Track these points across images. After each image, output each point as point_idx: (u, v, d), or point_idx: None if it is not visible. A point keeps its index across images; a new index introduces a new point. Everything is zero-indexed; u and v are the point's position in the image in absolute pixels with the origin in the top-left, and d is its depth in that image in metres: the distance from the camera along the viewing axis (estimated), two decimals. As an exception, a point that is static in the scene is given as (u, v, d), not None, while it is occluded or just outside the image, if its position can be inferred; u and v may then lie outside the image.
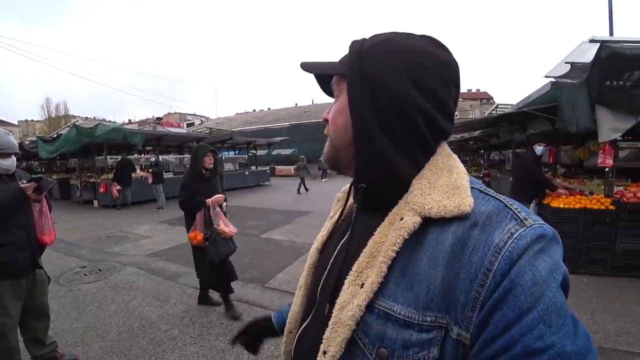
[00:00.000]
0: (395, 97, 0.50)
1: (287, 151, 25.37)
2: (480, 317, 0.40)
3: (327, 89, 0.66)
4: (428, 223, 0.47)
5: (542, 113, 5.22)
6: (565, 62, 4.11)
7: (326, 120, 0.62)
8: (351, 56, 0.55)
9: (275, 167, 24.83)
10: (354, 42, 0.57)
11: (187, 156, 15.76)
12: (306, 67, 0.60)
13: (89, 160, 12.40)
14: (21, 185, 2.11)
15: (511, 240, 0.41)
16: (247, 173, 16.56)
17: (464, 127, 10.40)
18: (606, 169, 4.18)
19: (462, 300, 0.41)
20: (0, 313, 2.04)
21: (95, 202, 10.91)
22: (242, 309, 3.32)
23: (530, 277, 0.39)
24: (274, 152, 23.76)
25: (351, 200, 0.68)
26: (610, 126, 3.65)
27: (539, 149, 4.69)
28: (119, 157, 12.03)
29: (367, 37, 0.58)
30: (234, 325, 2.99)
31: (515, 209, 0.45)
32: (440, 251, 0.45)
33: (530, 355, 0.37)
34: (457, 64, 0.54)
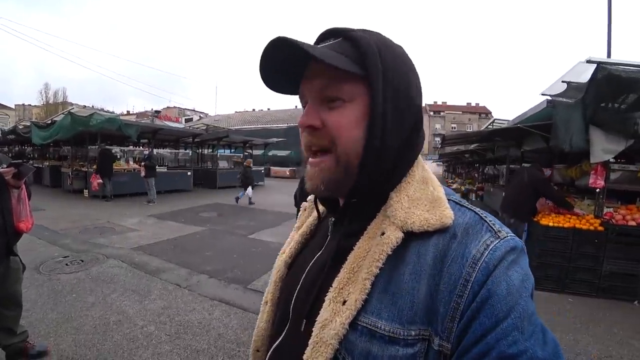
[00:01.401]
0: (418, 110, 0.50)
1: (284, 152, 25.35)
2: (460, 326, 0.40)
3: (275, 80, 0.54)
4: (409, 237, 0.47)
5: (537, 130, 5.23)
6: (562, 81, 4.12)
7: (311, 128, 0.51)
8: (371, 54, 0.47)
9: (271, 167, 24.78)
10: (356, 33, 0.49)
11: (182, 151, 15.69)
12: (293, 42, 0.44)
13: (82, 149, 12.26)
14: (0, 170, 2.05)
15: (487, 252, 0.42)
16: (241, 172, 16.41)
17: (460, 139, 10.46)
18: (597, 190, 4.19)
19: (441, 311, 0.42)
20: None
21: (86, 192, 10.76)
22: (221, 309, 3.26)
23: (505, 286, 0.40)
24: (270, 153, 23.70)
25: (322, 210, 0.65)
26: (603, 147, 3.65)
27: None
28: (113, 148, 11.91)
29: (359, 29, 0.51)
30: (212, 327, 2.92)
31: (490, 221, 0.47)
32: (422, 264, 0.45)
33: None
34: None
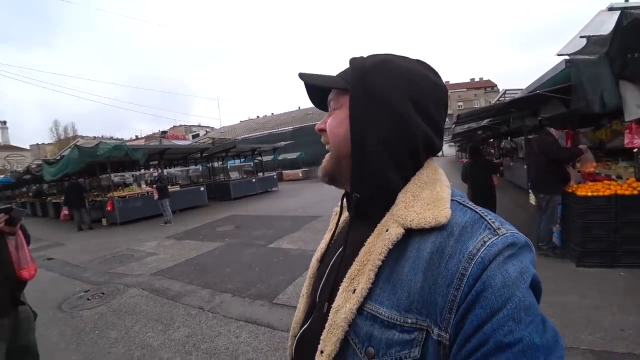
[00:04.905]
0: (395, 113, 0.55)
1: (293, 155, 25.16)
2: (457, 318, 0.43)
3: (316, 100, 0.69)
4: (411, 233, 0.51)
5: (557, 94, 4.87)
6: (581, 37, 3.78)
7: (321, 131, 0.64)
8: (354, 72, 0.58)
9: (283, 171, 24.67)
10: (354, 59, 0.61)
11: (192, 167, 15.71)
12: (305, 78, 0.61)
13: (94, 179, 12.38)
14: None
15: (484, 248, 0.45)
16: (253, 180, 16.35)
17: (471, 117, 10.02)
18: (634, 150, 3.83)
19: (440, 303, 0.45)
20: None
21: (104, 220, 10.87)
22: (248, 331, 3.08)
23: (500, 279, 0.42)
24: (280, 157, 23.58)
25: (346, 213, 0.72)
26: (638, 102, 3.31)
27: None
28: (124, 174, 12.02)
29: (366, 55, 0.62)
30: (241, 352, 2.74)
31: (490, 219, 0.49)
32: (420, 259, 0.49)
33: (502, 349, 0.40)
34: (446, 88, 0.59)
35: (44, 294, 4.57)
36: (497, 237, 0.46)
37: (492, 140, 17.26)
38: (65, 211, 10.53)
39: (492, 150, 16.93)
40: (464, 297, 0.43)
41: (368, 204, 0.59)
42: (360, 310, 0.52)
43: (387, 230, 0.53)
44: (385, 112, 0.55)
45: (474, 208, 0.52)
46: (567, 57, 4.03)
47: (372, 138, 0.56)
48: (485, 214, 0.50)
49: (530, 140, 5.66)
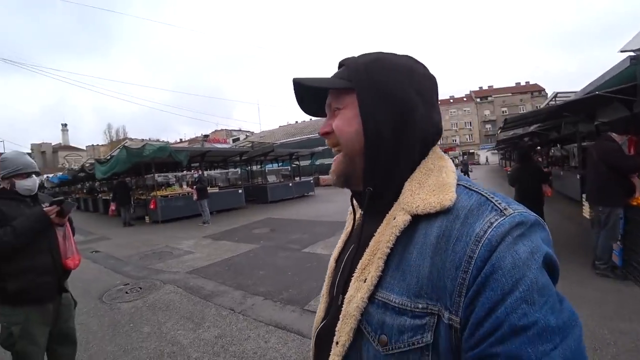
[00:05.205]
0: (405, 105, 0.56)
1: (330, 160, 24.80)
2: (467, 301, 0.43)
3: (307, 106, 0.69)
4: (418, 220, 0.51)
5: (619, 95, 4.37)
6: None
7: (326, 134, 0.64)
8: (355, 71, 0.59)
9: (320, 176, 24.69)
10: (348, 59, 0.63)
11: (231, 170, 16.14)
12: (305, 82, 0.60)
13: (140, 179, 13.06)
14: (44, 209, 2.00)
15: (490, 229, 0.44)
16: (290, 184, 16.47)
17: (519, 122, 9.38)
18: None
19: (449, 287, 0.44)
20: (27, 340, 1.92)
21: (147, 218, 11.41)
22: (278, 336, 2.98)
23: (510, 260, 0.41)
24: (317, 162, 23.63)
25: (359, 211, 0.72)
26: None
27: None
28: (167, 175, 12.58)
29: (357, 55, 0.63)
30: (269, 359, 2.65)
31: (496, 200, 0.48)
32: (427, 244, 0.49)
33: (517, 332, 0.39)
34: (436, 79, 0.62)
35: (88, 284, 4.80)
36: (504, 217, 0.45)
37: (539, 147, 16.13)
38: (113, 207, 11.32)
39: (540, 159, 15.79)
40: (473, 279, 0.42)
41: (378, 196, 0.59)
42: (371, 298, 0.52)
43: (394, 219, 0.53)
44: (395, 105, 0.56)
45: (479, 191, 0.51)
46: (632, 54, 3.60)
47: (385, 132, 0.56)
48: (492, 195, 0.49)
49: (587, 147, 5.13)
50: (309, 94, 0.65)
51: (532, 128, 10.75)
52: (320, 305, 0.73)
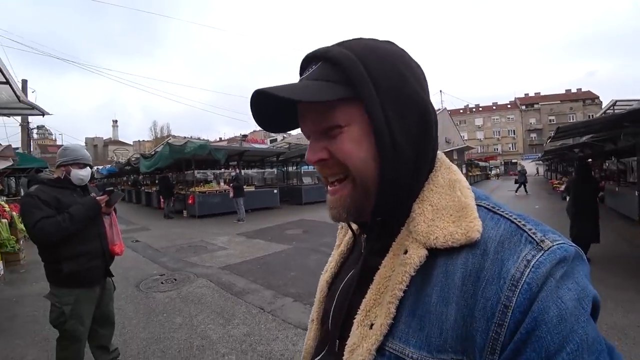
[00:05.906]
0: (419, 107, 0.46)
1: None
2: None
3: (269, 121, 0.52)
4: (435, 253, 0.42)
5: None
6: None
7: (321, 161, 0.48)
8: (355, 70, 0.43)
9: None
10: (331, 51, 0.46)
11: (268, 170, 16.42)
12: (274, 92, 0.41)
13: (180, 174, 13.63)
14: (96, 198, 2.16)
15: (528, 270, 0.36)
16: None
17: (572, 131, 8.73)
18: None
19: (479, 341, 0.36)
20: (76, 320, 2.05)
21: (185, 212, 11.86)
22: (300, 335, 2.94)
23: (555, 312, 0.34)
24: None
25: (355, 227, 0.60)
26: None
27: None
28: (206, 172, 13.02)
29: (336, 43, 0.48)
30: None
31: (529, 229, 0.40)
32: (450, 286, 0.40)
33: None
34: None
35: (127, 272, 5.03)
36: (542, 252, 0.37)
37: (590, 160, 14.96)
38: (162, 199, 12.05)
39: (593, 173, 14.65)
40: (510, 335, 0.35)
41: (382, 222, 0.51)
42: (380, 349, 0.43)
43: (405, 252, 0.44)
44: (414, 111, 0.45)
45: (507, 215, 0.43)
46: None
47: (406, 148, 0.45)
48: (524, 221, 0.41)
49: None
50: (272, 105, 0.47)
51: (584, 138, 9.97)
52: (310, 333, 0.64)
